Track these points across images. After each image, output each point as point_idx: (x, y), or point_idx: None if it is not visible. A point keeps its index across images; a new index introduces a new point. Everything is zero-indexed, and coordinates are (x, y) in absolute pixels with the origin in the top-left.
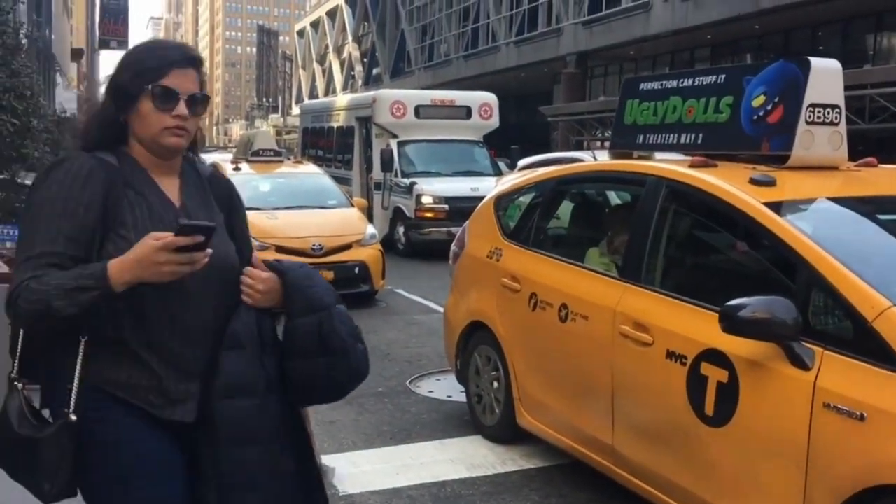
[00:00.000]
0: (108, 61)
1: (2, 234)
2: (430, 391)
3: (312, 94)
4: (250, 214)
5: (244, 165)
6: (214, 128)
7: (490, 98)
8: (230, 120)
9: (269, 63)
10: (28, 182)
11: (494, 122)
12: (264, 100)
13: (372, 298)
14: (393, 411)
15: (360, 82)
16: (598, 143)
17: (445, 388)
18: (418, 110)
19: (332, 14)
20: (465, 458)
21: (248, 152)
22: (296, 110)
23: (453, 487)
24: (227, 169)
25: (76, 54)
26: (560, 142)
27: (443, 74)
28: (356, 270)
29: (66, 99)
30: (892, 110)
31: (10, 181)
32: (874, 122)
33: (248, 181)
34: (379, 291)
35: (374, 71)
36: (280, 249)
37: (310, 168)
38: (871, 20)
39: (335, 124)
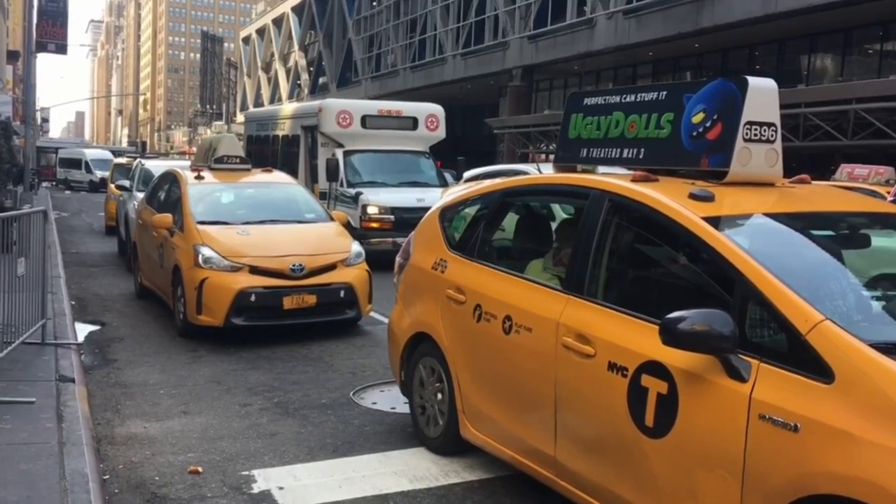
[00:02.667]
0: (46, 64)
1: None
2: (374, 403)
3: (257, 102)
4: (217, 230)
5: (207, 174)
6: (156, 134)
7: (436, 109)
8: (172, 126)
9: (214, 70)
10: None
11: (441, 133)
12: (208, 107)
13: (355, 325)
14: (336, 423)
15: (306, 91)
16: (543, 156)
17: (389, 399)
18: (365, 120)
19: (278, 22)
20: (408, 470)
21: (210, 159)
22: (240, 118)
23: (396, 500)
24: (188, 177)
25: (12, 56)
26: (506, 154)
27: (390, 85)
28: (342, 294)
29: (1, 102)
30: (824, 129)
31: None
32: (807, 139)
33: (212, 191)
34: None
35: (321, 80)
36: (255, 270)
37: (282, 177)
38: (805, 41)
39: (280, 133)
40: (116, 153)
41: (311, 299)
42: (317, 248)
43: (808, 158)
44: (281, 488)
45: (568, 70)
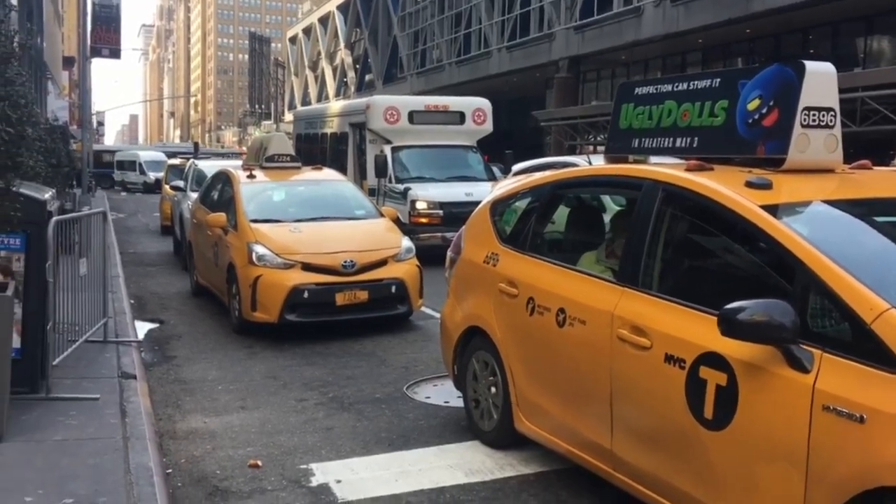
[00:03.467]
0: (100, 69)
1: None
2: (428, 397)
3: (305, 101)
4: (270, 227)
5: (258, 173)
6: (207, 135)
7: (483, 103)
8: (223, 127)
9: (262, 70)
10: (24, 191)
11: (488, 127)
12: (257, 106)
13: (407, 320)
14: (391, 417)
15: (352, 88)
16: (591, 148)
17: (443, 393)
18: (412, 116)
19: (324, 21)
20: (464, 463)
21: (261, 158)
22: (288, 117)
23: (452, 493)
24: (241, 177)
25: (68, 62)
26: (553, 146)
27: (435, 80)
28: (393, 289)
29: (58, 107)
30: (882, 113)
31: (5, 190)
32: (865, 124)
33: (264, 190)
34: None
35: (367, 77)
36: (307, 267)
37: (332, 175)
38: (860, 23)
39: (329, 130)
40: (171, 154)
41: (363, 295)
42: (367, 244)
43: (866, 144)
44: (339, 481)
45: (615, 60)
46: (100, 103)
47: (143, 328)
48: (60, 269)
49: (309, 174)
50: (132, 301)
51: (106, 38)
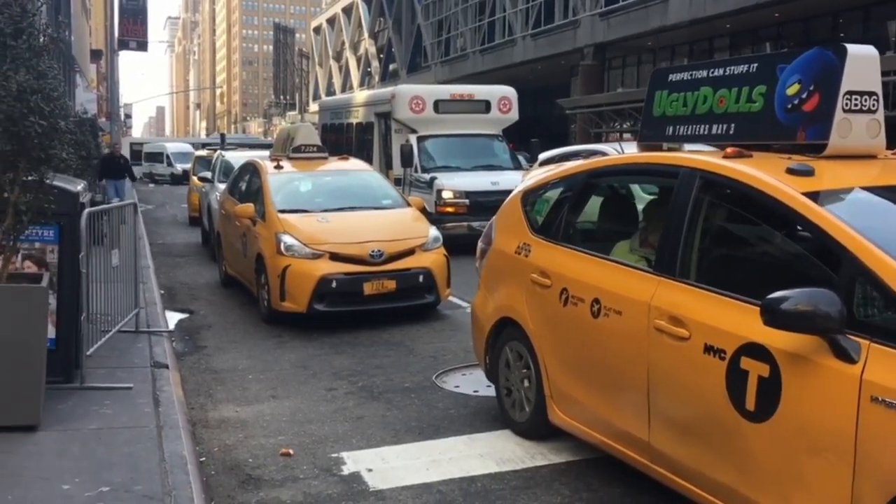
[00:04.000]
0: (127, 62)
1: (31, 235)
2: (457, 386)
3: (329, 91)
4: (298, 218)
5: (286, 163)
6: (233, 126)
7: (509, 91)
8: (248, 118)
9: (286, 61)
10: (57, 183)
11: (514, 115)
12: (282, 97)
13: (435, 310)
14: (420, 406)
15: (376, 78)
16: (618, 136)
17: (472, 382)
18: (437, 105)
19: (347, 10)
20: (494, 452)
21: (288, 149)
22: (313, 107)
23: (483, 482)
24: (268, 167)
25: (95, 55)
26: (578, 134)
27: (459, 69)
28: (420, 279)
29: (87, 100)
30: None
31: (39, 182)
32: None
33: (291, 180)
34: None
35: (391, 66)
36: (335, 257)
37: (359, 164)
38: (891, 6)
39: (354, 120)
40: (202, 145)
41: (391, 284)
42: (395, 233)
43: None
44: (370, 470)
45: (641, 46)
46: (127, 95)
47: (173, 318)
48: (93, 260)
49: (336, 164)
50: (162, 292)
51: (133, 30)
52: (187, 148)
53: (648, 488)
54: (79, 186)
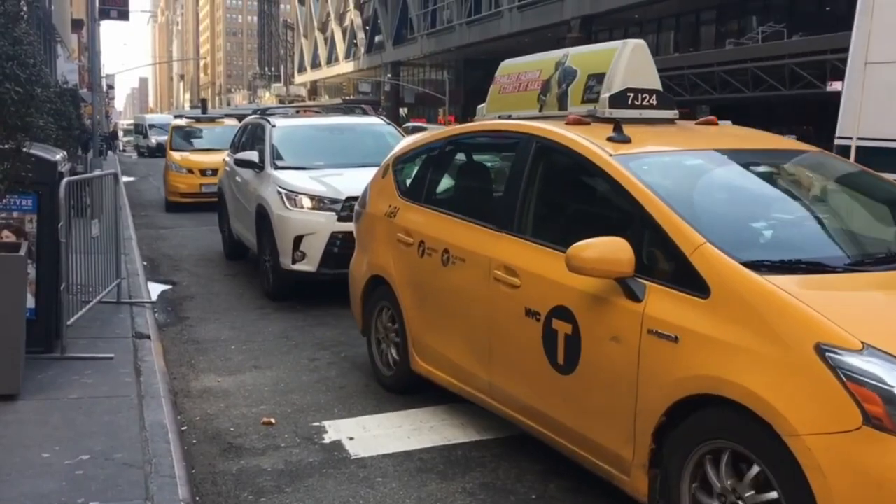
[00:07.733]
0: (108, 32)
1: (9, 204)
2: None
3: (315, 63)
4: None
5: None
6: (217, 97)
7: None
8: (232, 90)
9: (271, 32)
10: (35, 152)
11: None
12: (266, 69)
13: None
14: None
15: (362, 50)
16: None
17: None
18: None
19: None
20: (475, 421)
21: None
22: (299, 79)
23: (464, 450)
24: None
25: (76, 25)
26: None
27: (446, 41)
28: None
29: (68, 70)
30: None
31: (16, 150)
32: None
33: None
34: None
35: (377, 38)
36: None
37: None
38: None
39: None
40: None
41: None
42: None
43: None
44: (351, 438)
45: (628, 19)
46: (109, 66)
47: (156, 290)
48: (73, 230)
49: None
50: (145, 263)
51: None
52: (168, 119)
53: None
54: (58, 156)
